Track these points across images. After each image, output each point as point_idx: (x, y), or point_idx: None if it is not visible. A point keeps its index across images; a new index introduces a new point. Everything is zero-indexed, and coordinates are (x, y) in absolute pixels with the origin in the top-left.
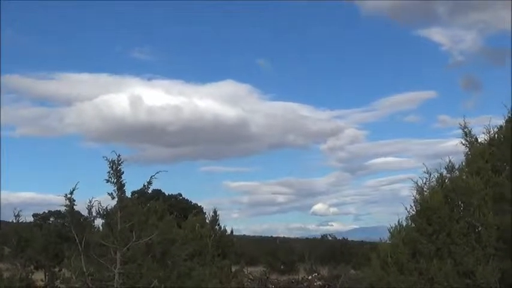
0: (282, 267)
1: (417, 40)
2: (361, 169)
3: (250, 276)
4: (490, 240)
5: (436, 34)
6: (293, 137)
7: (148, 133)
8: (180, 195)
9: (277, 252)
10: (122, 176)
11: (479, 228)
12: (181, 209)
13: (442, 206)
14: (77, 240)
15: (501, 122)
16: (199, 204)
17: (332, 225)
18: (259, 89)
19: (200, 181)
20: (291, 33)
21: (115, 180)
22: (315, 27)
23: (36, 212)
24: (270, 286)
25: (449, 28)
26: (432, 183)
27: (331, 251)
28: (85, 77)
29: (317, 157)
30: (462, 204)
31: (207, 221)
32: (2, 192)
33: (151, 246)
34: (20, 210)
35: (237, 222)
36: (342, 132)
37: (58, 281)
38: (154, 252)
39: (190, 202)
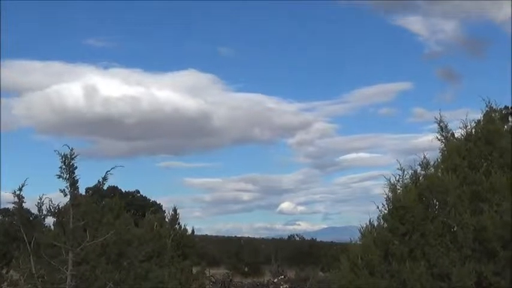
0: (246, 269)
1: (392, 29)
2: (331, 165)
3: (213, 279)
4: (466, 241)
5: (413, 23)
6: (259, 130)
7: (103, 126)
8: (138, 192)
9: (241, 253)
10: (75, 171)
11: (455, 228)
12: (139, 207)
13: (415, 204)
14: (26, 240)
15: (479, 116)
16: (158, 202)
17: (300, 224)
18: (223, 79)
19: (159, 177)
20: (257, 21)
21: (67, 176)
22: (282, 14)
23: None
24: None
25: (427, 17)
26: (406, 181)
27: (299, 252)
28: (36, 65)
29: (284, 152)
30: (437, 203)
31: (167, 219)
32: None
33: (107, 246)
34: None
35: (198, 221)
36: (311, 126)
37: (5, 283)
38: (110, 253)
39: (149, 199)
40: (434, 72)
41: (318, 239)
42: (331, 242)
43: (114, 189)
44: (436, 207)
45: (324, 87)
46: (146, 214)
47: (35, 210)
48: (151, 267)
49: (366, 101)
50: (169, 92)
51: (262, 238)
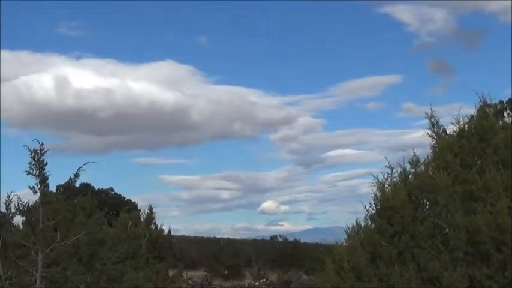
0: (226, 271)
1: (380, 18)
2: (316, 162)
3: (190, 282)
4: (458, 243)
5: (402, 12)
6: (240, 125)
7: (75, 119)
8: (112, 189)
9: (220, 255)
10: (45, 167)
11: (447, 230)
12: (113, 206)
13: (405, 204)
14: None
15: (472, 111)
16: (133, 200)
17: (283, 225)
18: (203, 70)
19: (134, 174)
20: (238, 10)
21: (37, 172)
22: (264, 3)
23: None
24: None
25: (417, 5)
26: (395, 179)
27: (282, 254)
28: (3, 54)
29: (267, 148)
30: (427, 203)
31: (142, 219)
32: None
33: (78, 247)
34: None
35: (175, 221)
36: (295, 121)
37: None
38: (81, 254)
39: (123, 198)
40: (426, 65)
41: (302, 240)
42: (316, 243)
43: (86, 187)
44: (427, 207)
45: (308, 80)
46: (120, 213)
47: (2, 209)
48: (125, 269)
49: (353, 95)
50: (145, 84)
51: (243, 239)
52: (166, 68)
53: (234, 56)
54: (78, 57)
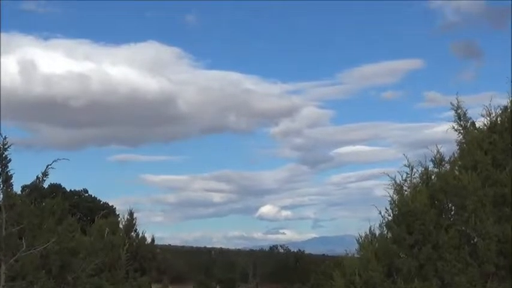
0: (218, 287)
1: None
2: (324, 161)
3: None
4: (488, 255)
5: None
6: (234, 117)
7: (44, 109)
8: (86, 191)
9: (212, 268)
10: (9, 164)
11: (475, 240)
12: (87, 210)
13: (427, 209)
14: None
15: (505, 101)
16: (110, 204)
17: (284, 233)
18: (191, 53)
19: (112, 173)
20: None
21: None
22: None
23: None
24: None
25: None
26: (415, 180)
27: (283, 266)
28: None
29: (265, 144)
30: (453, 208)
31: (121, 225)
32: None
33: (47, 257)
34: None
35: (160, 228)
36: (299, 112)
37: None
38: (51, 265)
39: (99, 201)
40: (451, 48)
41: (307, 251)
42: (323, 254)
43: (56, 188)
44: (452, 213)
45: (315, 65)
46: (96, 218)
47: None
48: (101, 283)
49: (366, 82)
50: (124, 68)
51: (238, 249)
52: (149, 50)
53: (226, 36)
54: (46, 38)
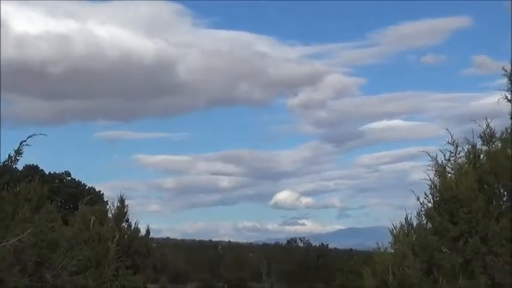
0: (226, 287)
1: None
2: (352, 138)
3: None
4: None
5: None
6: (245, 86)
7: (17, 77)
8: (68, 174)
9: (218, 265)
10: None
11: None
12: (70, 196)
13: (474, 195)
14: None
15: None
16: (97, 189)
17: (305, 224)
18: (194, 10)
19: (99, 153)
20: None
21: None
22: None
23: None
24: None
25: None
26: (460, 160)
27: (303, 264)
28: None
29: (283, 118)
30: (505, 194)
31: (110, 214)
32: None
33: (22, 251)
34: None
35: (156, 218)
36: (322, 80)
37: None
38: (26, 260)
39: (84, 185)
40: (505, 4)
41: (331, 246)
42: (350, 249)
43: (33, 170)
44: (504, 199)
45: (341, 24)
46: (80, 206)
47: None
48: (86, 282)
49: (404, 44)
50: (114, 28)
51: (250, 243)
52: (143, 6)
53: None
54: None
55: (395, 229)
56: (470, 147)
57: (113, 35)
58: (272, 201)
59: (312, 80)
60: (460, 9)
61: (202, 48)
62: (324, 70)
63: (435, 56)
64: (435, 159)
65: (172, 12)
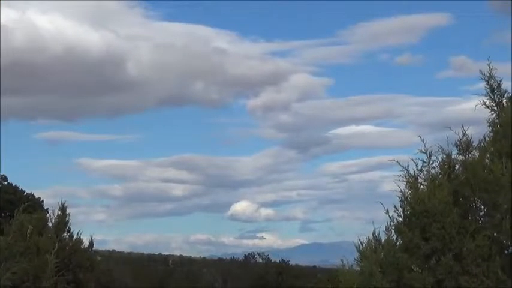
0: None
1: None
2: (317, 144)
3: None
4: None
5: None
6: (201, 85)
7: None
8: (4, 178)
9: (169, 282)
10: None
11: (510, 249)
12: (6, 203)
13: (448, 209)
14: None
15: None
16: (36, 196)
17: (264, 238)
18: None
19: (39, 156)
20: None
21: None
22: None
23: None
24: None
25: None
26: (434, 171)
27: (262, 281)
28: None
29: (242, 121)
30: (482, 208)
31: (50, 223)
32: None
33: None
34: None
35: (102, 229)
36: (286, 80)
37: None
38: None
39: (21, 191)
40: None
41: (293, 262)
42: (314, 266)
43: None
44: (481, 213)
45: (308, 19)
46: (16, 214)
47: None
48: None
49: (376, 43)
50: (57, 18)
51: (204, 258)
52: None
53: None
54: None
55: (362, 245)
56: (445, 156)
57: (56, 26)
58: (229, 213)
59: (275, 80)
60: (438, 5)
61: (154, 42)
62: (289, 69)
63: (410, 55)
64: (406, 169)
65: (122, 3)
